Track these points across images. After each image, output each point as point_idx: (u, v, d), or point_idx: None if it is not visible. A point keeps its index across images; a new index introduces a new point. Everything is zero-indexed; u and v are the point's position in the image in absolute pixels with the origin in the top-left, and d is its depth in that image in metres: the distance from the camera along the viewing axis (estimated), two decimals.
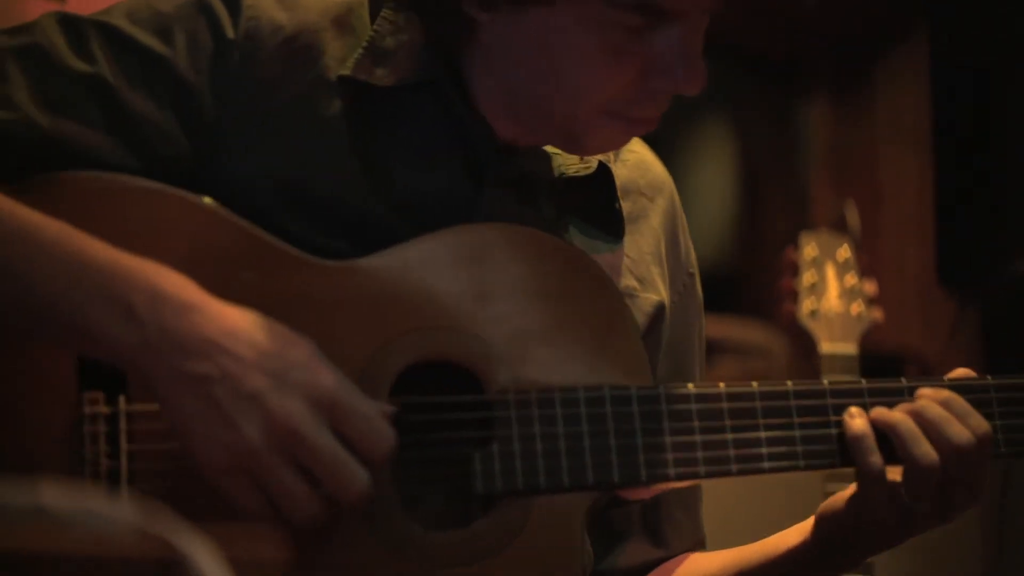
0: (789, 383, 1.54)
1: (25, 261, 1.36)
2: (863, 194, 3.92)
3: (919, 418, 1.52)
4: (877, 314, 2.87)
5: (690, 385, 1.52)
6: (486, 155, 1.58)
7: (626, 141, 1.64)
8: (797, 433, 1.52)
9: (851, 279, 2.89)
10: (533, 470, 1.47)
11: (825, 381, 1.55)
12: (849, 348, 2.81)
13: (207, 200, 1.48)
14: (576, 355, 1.51)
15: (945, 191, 3.80)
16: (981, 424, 1.53)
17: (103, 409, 1.42)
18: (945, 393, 1.54)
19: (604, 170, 1.67)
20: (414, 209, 1.55)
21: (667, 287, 1.74)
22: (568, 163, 1.65)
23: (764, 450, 1.51)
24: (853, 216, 2.99)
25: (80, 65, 1.51)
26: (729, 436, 1.51)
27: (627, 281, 1.68)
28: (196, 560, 0.96)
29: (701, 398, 1.51)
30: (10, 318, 1.38)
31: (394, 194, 1.55)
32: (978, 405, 1.55)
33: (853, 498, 1.56)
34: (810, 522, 1.63)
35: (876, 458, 1.51)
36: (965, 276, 3.76)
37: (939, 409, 1.52)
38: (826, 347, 2.81)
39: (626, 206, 1.70)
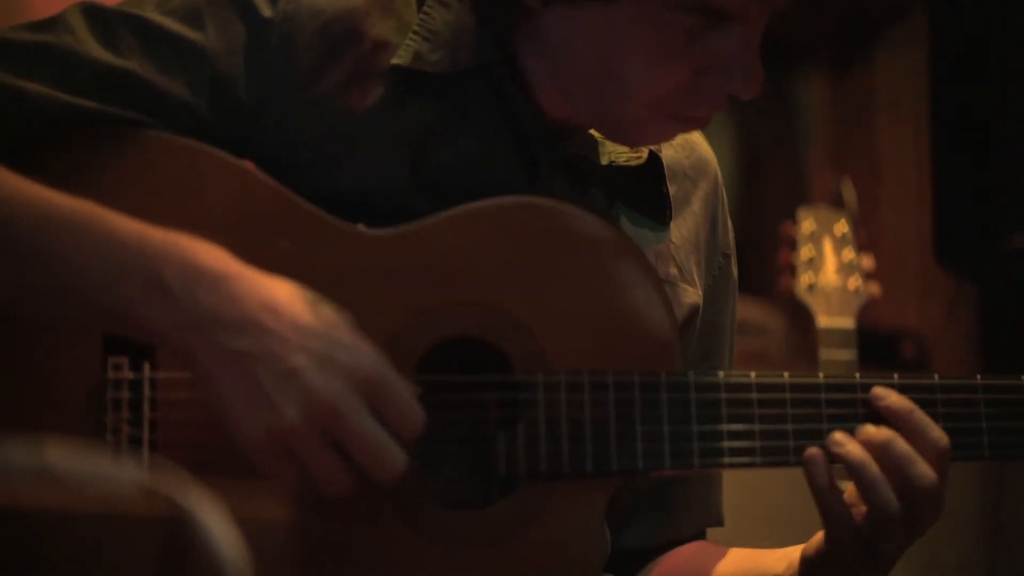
0: (821, 375, 1.52)
1: (54, 247, 1.34)
2: (861, 170, 3.92)
3: (883, 456, 1.48)
4: (874, 288, 2.88)
5: (720, 374, 1.51)
6: (538, 143, 1.56)
7: (674, 137, 1.63)
8: (824, 426, 1.51)
9: (849, 254, 2.90)
10: (557, 454, 1.46)
11: (821, 375, 1.53)
12: (846, 322, 2.82)
13: (247, 164, 1.47)
14: (608, 340, 1.49)
15: (943, 167, 3.79)
16: (940, 440, 1.49)
17: (127, 375, 1.41)
18: (906, 412, 1.50)
19: (654, 159, 1.65)
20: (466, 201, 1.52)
21: (703, 273, 1.73)
22: (618, 151, 1.63)
23: (791, 443, 1.49)
24: (850, 193, 3.00)
25: (107, 57, 1.48)
26: (757, 427, 1.49)
27: (672, 269, 1.66)
28: (202, 518, 0.96)
29: (731, 388, 1.50)
30: (44, 304, 1.36)
31: (444, 186, 1.52)
32: (965, 406, 1.53)
33: (825, 536, 1.53)
34: (797, 555, 1.60)
35: (840, 505, 1.49)
36: (963, 252, 3.75)
37: (902, 447, 1.48)
38: (823, 321, 2.81)
39: (672, 190, 1.68)
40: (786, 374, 1.51)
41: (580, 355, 1.47)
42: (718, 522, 1.82)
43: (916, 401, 1.50)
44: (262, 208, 1.46)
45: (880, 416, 1.50)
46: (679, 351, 1.51)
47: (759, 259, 3.62)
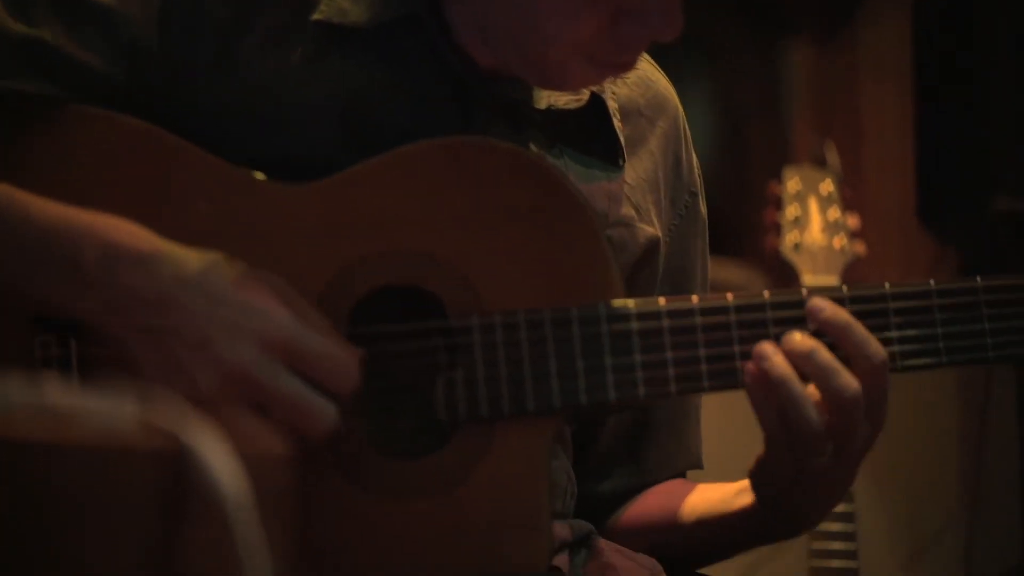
0: (766, 293, 1.48)
1: None
2: (844, 133, 3.92)
3: (807, 365, 1.44)
4: (859, 248, 2.88)
5: (661, 300, 1.47)
6: (472, 91, 1.54)
7: (601, 82, 1.60)
8: None
9: (834, 213, 2.90)
10: (497, 396, 1.43)
11: (766, 293, 1.49)
12: (831, 281, 2.82)
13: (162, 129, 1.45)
14: (544, 279, 1.46)
15: (926, 130, 3.80)
16: (876, 354, 1.45)
17: (54, 352, 1.41)
18: (842, 325, 1.46)
19: (596, 100, 1.63)
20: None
21: (665, 214, 1.71)
22: (556, 95, 1.61)
23: (738, 364, 1.46)
24: (833, 156, 3.01)
25: (18, 27, 1.45)
26: (702, 352, 1.46)
27: (625, 210, 1.64)
28: (202, 452, 0.97)
29: (673, 314, 1.46)
30: None
31: (377, 144, 1.48)
32: (919, 313, 1.49)
33: (764, 452, 1.50)
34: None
35: (773, 421, 1.46)
36: (946, 214, 3.77)
37: (825, 358, 1.45)
38: (808, 280, 2.81)
39: (625, 130, 1.66)
40: (729, 295, 1.48)
41: (516, 297, 1.45)
42: (696, 465, 1.81)
43: (868, 312, 1.48)
44: (180, 172, 1.44)
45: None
46: (618, 285, 1.48)
47: (742, 220, 3.63)
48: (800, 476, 1.48)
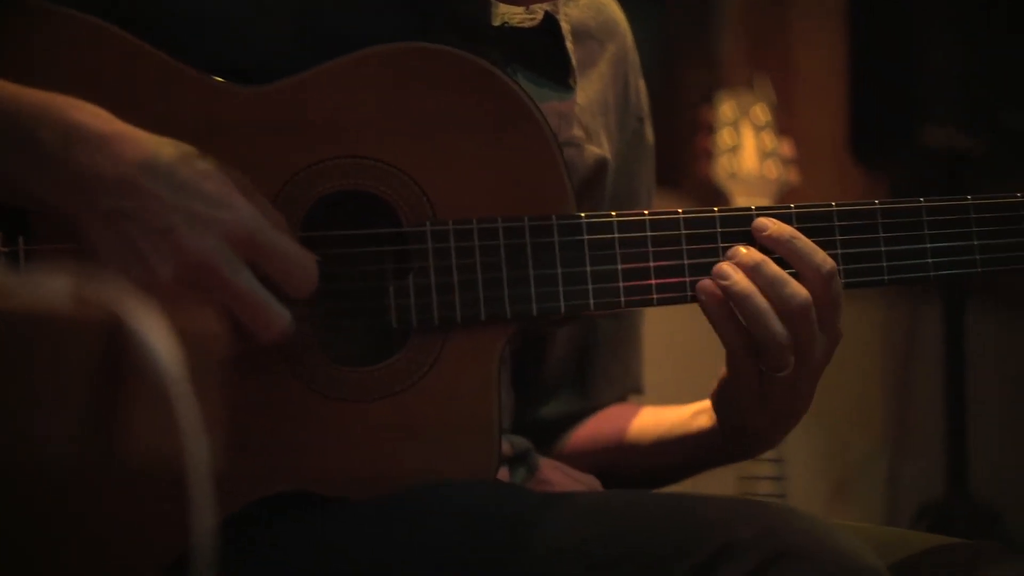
0: (716, 209, 1.49)
1: None
2: (776, 65, 3.94)
3: (755, 278, 1.45)
4: (793, 175, 2.90)
5: (613, 213, 1.48)
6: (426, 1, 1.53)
7: None
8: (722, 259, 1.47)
9: (768, 140, 2.91)
10: (449, 303, 1.43)
11: (716, 209, 1.49)
12: None
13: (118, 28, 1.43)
14: (497, 188, 1.46)
15: (858, 62, 3.82)
16: (824, 263, 1.46)
17: (2, 249, 1.37)
18: (786, 239, 1.47)
19: (550, 20, 1.63)
20: None
21: (613, 137, 1.71)
22: (511, 12, 1.60)
23: (687, 279, 1.47)
24: (767, 90, 3.01)
25: None
26: (652, 264, 1.47)
27: (576, 131, 1.64)
28: (138, 326, 0.96)
29: (624, 226, 1.47)
30: None
31: (330, 51, 1.46)
32: (864, 231, 1.50)
33: (726, 370, 1.51)
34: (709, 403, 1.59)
35: (735, 335, 1.46)
36: (876, 146, 3.79)
37: (772, 269, 1.45)
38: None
39: (576, 52, 1.66)
40: (680, 210, 1.48)
41: (468, 204, 1.45)
42: (637, 389, 1.82)
43: (814, 230, 1.49)
44: (137, 72, 1.42)
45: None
46: (571, 197, 1.47)
47: (675, 152, 3.63)
48: (764, 393, 1.49)
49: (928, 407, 4.01)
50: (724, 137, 2.88)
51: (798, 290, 1.44)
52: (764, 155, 2.89)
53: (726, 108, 2.91)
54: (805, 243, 1.47)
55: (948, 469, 3.79)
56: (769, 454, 2.80)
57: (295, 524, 1.40)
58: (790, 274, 1.46)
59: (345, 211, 1.45)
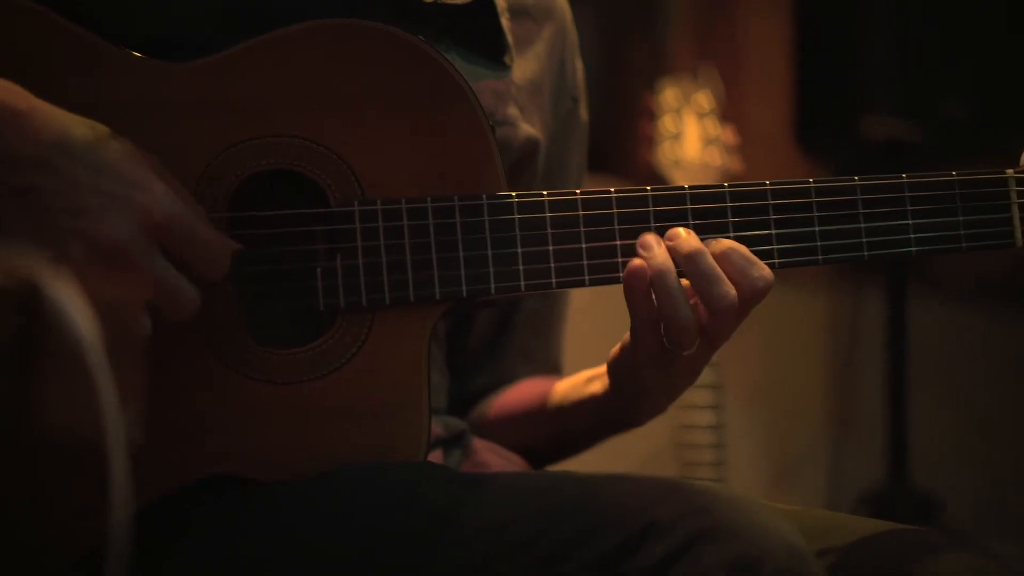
0: (649, 188, 1.48)
1: None
2: (723, 55, 3.95)
3: (688, 267, 1.44)
4: (735, 163, 2.90)
5: (545, 192, 1.46)
6: None
7: None
8: None
9: (711, 127, 2.90)
10: (378, 285, 1.42)
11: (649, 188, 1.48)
12: None
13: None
14: (427, 168, 1.44)
15: (804, 53, 3.84)
16: (760, 278, 1.45)
17: None
18: (724, 244, 1.45)
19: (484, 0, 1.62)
20: None
21: (547, 117, 1.71)
22: None
23: (619, 260, 1.46)
24: (713, 78, 3.01)
25: None
26: (583, 245, 1.45)
27: (510, 109, 1.63)
28: (56, 295, 0.95)
29: (556, 206, 1.45)
30: None
31: (258, 25, 1.45)
32: (799, 210, 1.49)
33: (630, 339, 1.50)
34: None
35: (648, 315, 1.45)
36: (820, 136, 3.81)
37: (708, 265, 1.44)
38: None
39: (513, 30, 1.65)
40: (612, 189, 1.47)
41: (398, 184, 1.43)
42: (555, 369, 1.82)
43: (748, 208, 1.48)
44: (55, 48, 1.40)
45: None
46: (501, 177, 1.46)
47: (618, 136, 3.63)
48: (663, 365, 1.49)
49: (870, 395, 4.03)
50: (667, 124, 2.88)
51: (728, 291, 1.43)
52: (706, 142, 2.89)
53: (669, 95, 2.90)
54: (742, 255, 1.45)
55: (889, 456, 3.81)
56: (708, 439, 2.82)
57: (223, 507, 1.39)
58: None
59: (273, 191, 1.43)
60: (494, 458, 1.68)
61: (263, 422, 1.41)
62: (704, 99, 2.91)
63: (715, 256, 1.45)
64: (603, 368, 1.59)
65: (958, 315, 4.33)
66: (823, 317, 4.21)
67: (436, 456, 1.62)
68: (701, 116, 2.90)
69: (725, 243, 1.45)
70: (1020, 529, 4.22)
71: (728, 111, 2.97)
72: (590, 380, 1.65)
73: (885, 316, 3.86)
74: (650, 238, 1.45)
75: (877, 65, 3.65)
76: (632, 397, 1.57)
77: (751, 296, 1.45)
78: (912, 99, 3.64)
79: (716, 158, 2.88)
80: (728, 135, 2.90)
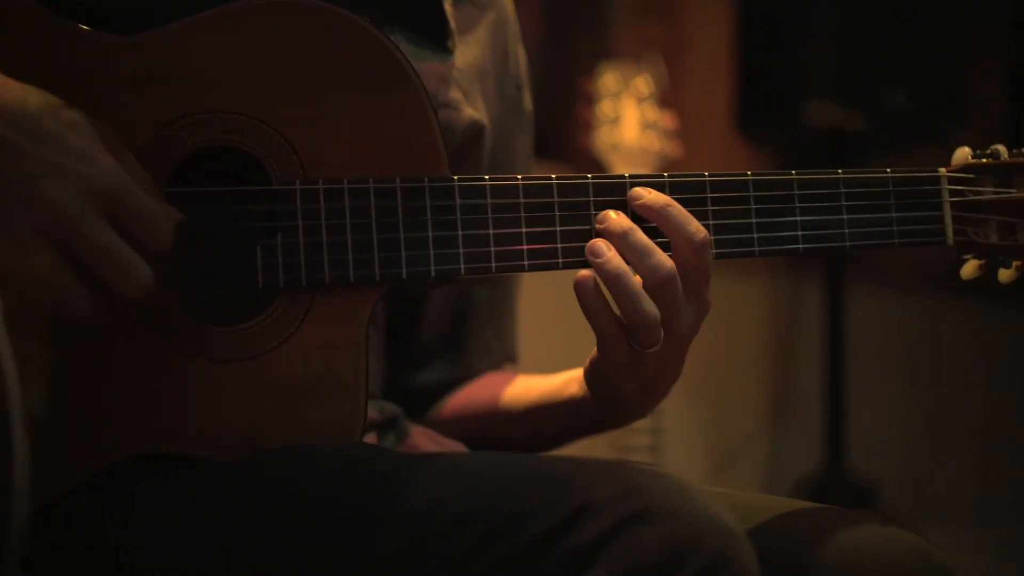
0: (590, 176, 1.48)
1: None
2: (666, 39, 3.95)
3: (622, 247, 1.44)
4: (674, 147, 2.90)
5: (486, 177, 1.46)
6: None
7: None
8: (592, 227, 1.47)
9: (650, 112, 2.90)
10: (318, 264, 1.41)
11: (590, 175, 1.48)
12: None
13: None
14: (370, 148, 1.43)
15: (746, 39, 3.85)
16: (697, 232, 1.45)
17: None
18: (660, 206, 1.45)
19: None
20: None
21: (491, 103, 1.70)
22: None
23: (559, 245, 1.46)
24: (657, 64, 3.01)
25: None
26: (524, 230, 1.45)
27: (453, 93, 1.63)
28: None
29: (497, 191, 1.45)
30: None
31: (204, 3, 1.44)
32: (736, 203, 1.49)
33: (597, 349, 1.50)
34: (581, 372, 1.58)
35: (609, 325, 1.46)
36: (761, 122, 3.82)
37: (640, 239, 1.44)
38: None
39: (455, 16, 1.65)
40: (554, 176, 1.47)
41: (340, 163, 1.42)
42: (512, 358, 1.82)
43: (687, 200, 1.48)
44: (4, 19, 1.38)
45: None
46: (444, 159, 1.46)
47: (560, 123, 3.63)
48: (634, 366, 1.49)
49: (808, 382, 4.06)
50: (605, 108, 2.88)
51: (664, 261, 1.44)
52: (645, 127, 2.89)
53: (608, 80, 2.90)
54: (679, 211, 1.46)
55: (827, 443, 3.84)
56: (646, 425, 2.83)
57: (157, 485, 1.38)
58: (663, 244, 1.46)
59: (216, 167, 1.42)
60: (428, 443, 1.68)
61: (199, 400, 1.41)
62: (643, 84, 2.91)
63: (654, 211, 1.45)
64: (580, 371, 1.59)
65: (895, 303, 4.36)
66: (762, 305, 4.23)
67: (370, 439, 1.62)
68: (640, 101, 2.90)
69: (663, 198, 1.46)
70: (955, 514, 4.26)
71: (670, 97, 2.98)
72: (568, 382, 1.64)
73: (823, 304, 3.88)
74: (600, 244, 1.45)
75: (818, 53, 3.67)
76: (609, 401, 1.57)
77: (691, 253, 1.45)
78: (853, 87, 3.66)
79: (654, 143, 2.88)
80: (667, 120, 2.90)
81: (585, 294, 1.44)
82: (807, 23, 3.69)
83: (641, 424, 2.86)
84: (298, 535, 1.31)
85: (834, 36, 3.67)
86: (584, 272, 1.44)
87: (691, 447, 3.96)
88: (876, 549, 1.42)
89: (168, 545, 1.35)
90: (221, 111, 1.41)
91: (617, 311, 1.46)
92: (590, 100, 2.89)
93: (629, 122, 2.88)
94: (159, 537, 1.36)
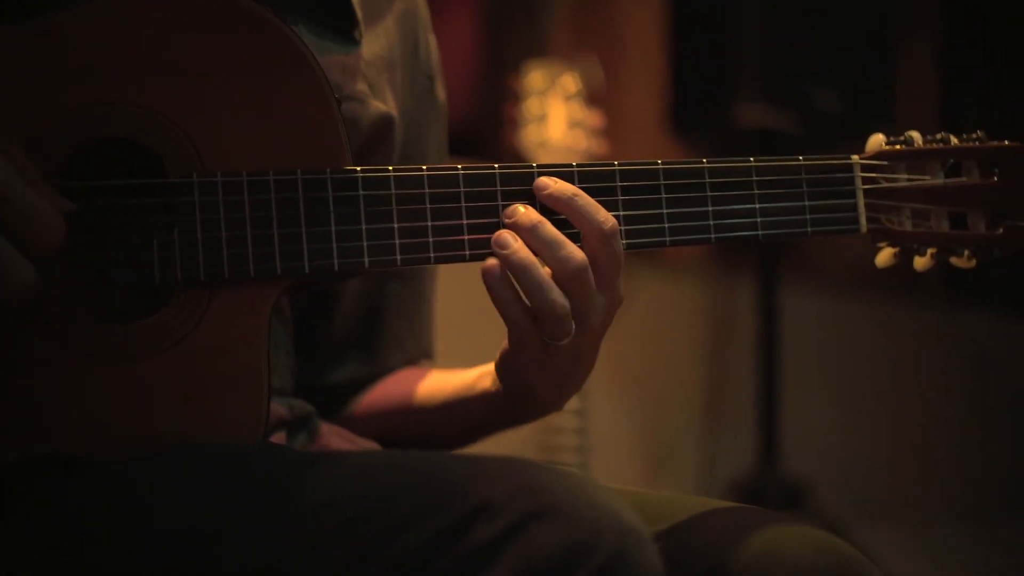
0: (497, 166, 1.45)
1: None
2: (598, 38, 3.95)
3: (531, 240, 1.42)
4: (600, 146, 2.89)
5: (390, 168, 1.43)
6: None
7: None
8: (503, 220, 1.44)
9: (576, 110, 2.90)
10: (216, 259, 1.38)
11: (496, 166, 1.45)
12: None
13: None
14: (270, 140, 1.40)
15: (677, 38, 3.86)
16: (605, 221, 1.43)
17: None
18: (567, 197, 1.44)
19: None
20: None
21: (400, 94, 1.68)
22: None
23: (466, 237, 1.43)
24: (590, 62, 3.00)
25: None
26: (429, 223, 1.42)
27: (359, 85, 1.60)
28: None
29: (402, 182, 1.42)
30: None
31: None
32: (647, 192, 1.47)
33: (508, 340, 1.48)
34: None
35: (519, 314, 1.44)
36: (693, 122, 3.83)
37: (549, 231, 1.42)
38: None
39: (361, 5, 1.62)
40: (460, 166, 1.45)
41: (239, 156, 1.39)
42: (427, 354, 1.79)
43: (596, 189, 1.46)
44: None
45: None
46: (347, 151, 1.42)
47: (489, 121, 3.61)
48: (546, 360, 1.47)
49: (741, 382, 4.06)
50: (532, 106, 2.87)
51: (574, 252, 1.42)
52: (571, 125, 2.88)
53: (535, 77, 2.89)
54: (587, 201, 1.44)
55: (760, 444, 3.84)
56: (574, 425, 2.81)
57: (52, 487, 1.35)
58: (572, 235, 1.43)
59: (111, 159, 1.38)
60: (340, 442, 1.65)
61: (95, 401, 1.37)
62: (570, 82, 2.90)
63: (560, 201, 1.43)
64: (486, 375, 1.58)
65: (829, 304, 4.37)
66: (696, 305, 4.23)
67: (279, 438, 1.59)
68: (567, 99, 2.89)
69: (569, 188, 1.44)
70: (887, 515, 4.27)
71: (600, 96, 2.97)
72: (481, 376, 1.62)
73: (757, 304, 3.88)
74: (506, 235, 1.42)
75: (750, 53, 3.67)
76: (522, 396, 1.55)
77: (600, 243, 1.43)
78: (784, 88, 3.67)
79: (581, 141, 2.87)
80: (593, 118, 2.89)
81: (493, 284, 1.42)
82: (738, 24, 3.70)
83: (570, 424, 2.85)
84: (187, 535, 1.28)
85: (765, 37, 3.67)
86: (491, 260, 1.42)
87: (623, 449, 3.95)
88: (790, 549, 1.40)
89: (59, 547, 1.32)
90: (116, 102, 1.37)
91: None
92: (517, 98, 2.87)
93: (555, 120, 2.87)
94: (51, 539, 1.32)
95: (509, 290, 1.42)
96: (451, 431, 1.69)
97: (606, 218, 1.43)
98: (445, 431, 1.69)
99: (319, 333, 1.74)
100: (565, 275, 1.42)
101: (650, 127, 3.89)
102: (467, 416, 1.65)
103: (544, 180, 1.45)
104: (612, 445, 3.62)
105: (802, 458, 3.96)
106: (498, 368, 1.53)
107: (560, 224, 1.44)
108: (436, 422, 1.68)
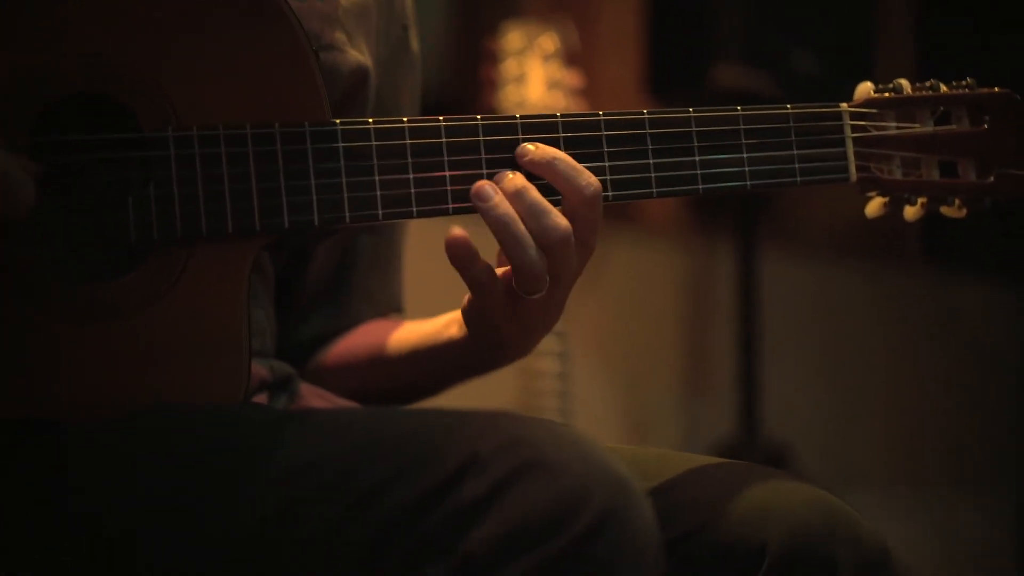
0: (479, 117, 1.42)
1: None
2: (578, 2, 3.94)
3: (517, 204, 1.40)
4: (580, 106, 2.87)
5: (370, 120, 1.40)
6: None
7: None
8: (484, 172, 1.42)
9: (555, 70, 2.88)
10: (194, 215, 1.34)
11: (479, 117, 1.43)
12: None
13: None
14: (246, 91, 1.37)
15: (655, 1, 3.84)
16: (588, 185, 1.41)
17: None
18: (548, 161, 1.41)
19: None
20: None
21: (375, 44, 1.65)
22: None
23: (448, 188, 1.40)
24: (566, 24, 2.98)
25: None
26: (411, 176, 1.39)
27: (338, 34, 1.57)
28: None
29: (382, 134, 1.39)
30: None
31: None
32: (632, 142, 1.45)
33: (472, 295, 1.46)
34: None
35: (482, 275, 1.42)
36: (671, 83, 3.81)
37: (534, 197, 1.40)
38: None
39: None
40: (442, 118, 1.41)
41: (216, 109, 1.35)
42: (397, 308, 1.77)
43: (581, 139, 1.44)
44: None
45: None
46: (325, 103, 1.39)
47: (466, 82, 3.59)
48: (515, 310, 1.44)
49: (721, 347, 4.05)
50: (510, 67, 2.84)
51: (558, 221, 1.39)
52: (550, 85, 2.86)
53: (513, 38, 2.87)
54: (569, 164, 1.41)
55: (740, 409, 3.83)
56: (555, 386, 2.79)
57: (28, 452, 1.32)
58: (556, 201, 1.41)
59: (83, 115, 1.35)
60: (321, 403, 1.63)
61: (71, 363, 1.33)
62: (548, 42, 2.88)
63: (541, 165, 1.41)
64: (453, 322, 1.56)
65: (808, 269, 4.36)
66: (675, 270, 4.22)
67: (261, 400, 1.56)
68: (545, 59, 2.86)
69: (550, 151, 1.41)
70: (867, 479, 4.27)
71: (578, 57, 2.94)
72: (448, 324, 1.59)
73: (736, 269, 3.87)
74: (487, 187, 1.40)
75: (728, 14, 3.66)
76: (488, 345, 1.53)
77: (581, 206, 1.41)
78: (763, 50, 3.66)
79: (560, 101, 2.85)
80: (572, 78, 2.87)
81: (456, 256, 1.40)
82: None
83: (549, 384, 2.84)
84: (167, 497, 1.25)
85: None
86: (455, 233, 1.39)
87: (604, 413, 3.94)
88: (782, 503, 1.39)
89: (35, 511, 1.29)
90: (85, 55, 1.33)
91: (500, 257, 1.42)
92: (495, 59, 2.85)
93: (534, 81, 2.85)
94: (28, 503, 1.30)
95: (469, 257, 1.40)
96: (420, 380, 1.66)
97: (588, 181, 1.41)
98: (414, 379, 1.66)
99: (294, 291, 1.71)
100: (548, 242, 1.40)
101: (627, 89, 3.86)
102: (435, 364, 1.63)
103: (524, 146, 1.42)
104: (592, 412, 3.60)
105: (782, 424, 3.96)
106: (464, 315, 1.50)
107: (545, 189, 1.42)
108: (405, 371, 1.66)
